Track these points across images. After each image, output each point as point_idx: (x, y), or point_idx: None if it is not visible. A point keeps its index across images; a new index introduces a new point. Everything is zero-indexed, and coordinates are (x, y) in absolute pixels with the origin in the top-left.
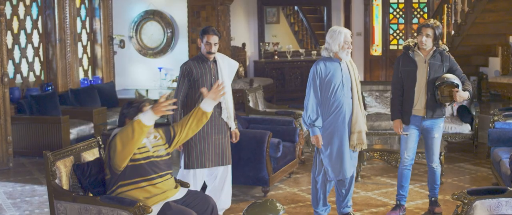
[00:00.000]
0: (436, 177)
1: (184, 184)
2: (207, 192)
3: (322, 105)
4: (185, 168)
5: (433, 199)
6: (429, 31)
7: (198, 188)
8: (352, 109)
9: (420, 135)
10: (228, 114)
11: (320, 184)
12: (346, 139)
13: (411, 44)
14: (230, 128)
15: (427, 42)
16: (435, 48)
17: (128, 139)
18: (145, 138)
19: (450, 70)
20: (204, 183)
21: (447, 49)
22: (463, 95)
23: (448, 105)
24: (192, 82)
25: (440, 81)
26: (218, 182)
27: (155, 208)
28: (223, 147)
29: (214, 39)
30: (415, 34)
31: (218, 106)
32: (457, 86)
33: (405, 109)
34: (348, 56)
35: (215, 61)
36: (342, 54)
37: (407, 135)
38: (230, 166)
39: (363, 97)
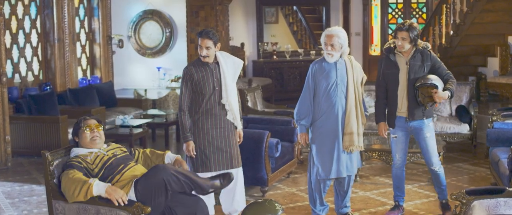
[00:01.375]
0: (441, 178)
1: None
2: (220, 195)
3: (315, 104)
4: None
5: (443, 201)
6: (404, 35)
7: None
8: (346, 109)
9: (409, 134)
10: (234, 115)
11: (315, 183)
12: (339, 139)
13: (392, 45)
14: (236, 128)
15: (404, 45)
16: (415, 48)
17: (71, 193)
18: (96, 149)
19: (433, 69)
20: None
21: (429, 47)
22: (442, 96)
23: (431, 106)
24: (194, 86)
25: (419, 83)
26: (230, 184)
27: (131, 192)
28: (231, 149)
29: (207, 42)
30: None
31: (223, 108)
32: (436, 87)
33: (390, 112)
34: (329, 57)
35: (217, 62)
36: (324, 54)
37: (396, 137)
38: (241, 168)
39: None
